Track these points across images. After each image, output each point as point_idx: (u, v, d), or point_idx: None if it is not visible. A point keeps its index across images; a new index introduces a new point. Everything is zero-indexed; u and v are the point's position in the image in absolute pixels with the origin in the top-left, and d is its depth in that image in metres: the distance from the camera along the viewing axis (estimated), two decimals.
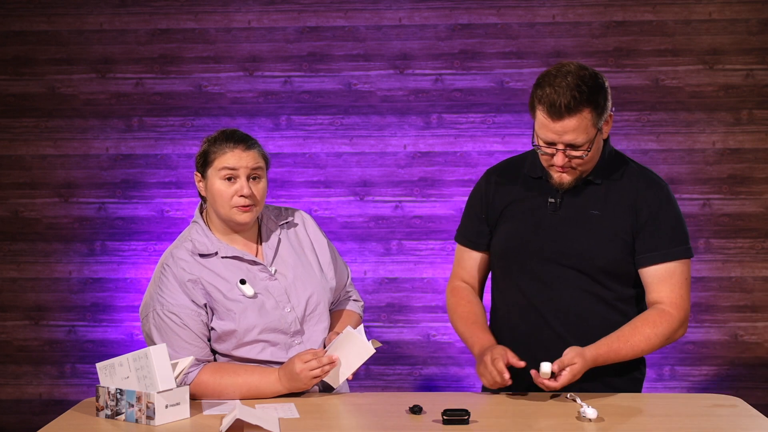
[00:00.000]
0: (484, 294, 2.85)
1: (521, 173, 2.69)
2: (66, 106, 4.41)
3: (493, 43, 4.31)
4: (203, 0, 4.35)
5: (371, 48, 4.34)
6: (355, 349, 2.51)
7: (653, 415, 2.39)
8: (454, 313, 2.77)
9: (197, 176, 2.59)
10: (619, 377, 2.62)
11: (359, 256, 4.37)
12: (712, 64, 4.26)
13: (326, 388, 2.62)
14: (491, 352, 2.51)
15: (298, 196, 4.37)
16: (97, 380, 2.69)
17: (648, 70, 4.27)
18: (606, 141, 2.62)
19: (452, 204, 4.32)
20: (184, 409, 2.36)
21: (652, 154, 4.28)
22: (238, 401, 2.47)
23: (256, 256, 2.62)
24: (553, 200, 2.61)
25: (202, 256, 2.56)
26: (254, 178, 2.55)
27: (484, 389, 2.69)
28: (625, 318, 2.58)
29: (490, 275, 2.82)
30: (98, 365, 2.41)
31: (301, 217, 2.74)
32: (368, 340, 2.50)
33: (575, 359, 2.43)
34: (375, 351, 2.51)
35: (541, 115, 2.47)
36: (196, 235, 2.59)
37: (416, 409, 2.39)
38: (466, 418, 2.30)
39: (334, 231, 4.35)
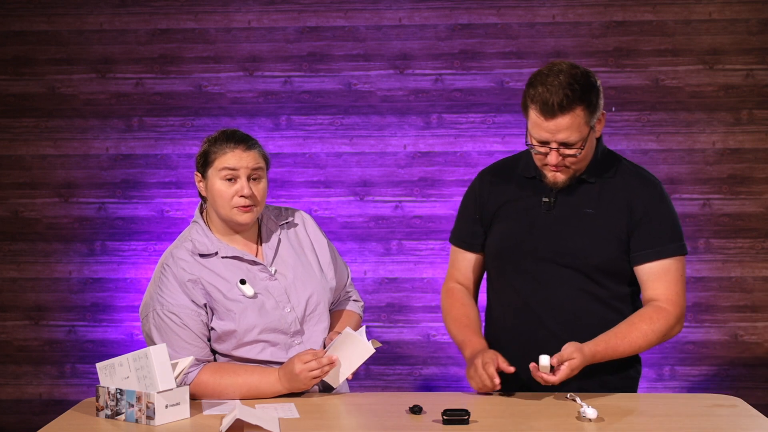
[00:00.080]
0: (480, 294, 2.85)
1: (515, 173, 2.70)
2: (66, 106, 4.41)
3: (493, 43, 4.31)
4: (203, 0, 4.35)
5: (371, 48, 4.34)
6: (354, 349, 2.51)
7: (653, 415, 2.39)
8: (447, 315, 2.78)
9: (197, 176, 2.59)
10: (614, 375, 2.63)
11: (359, 256, 4.37)
12: (712, 64, 4.26)
13: (326, 388, 2.62)
14: (482, 356, 2.52)
15: (298, 196, 4.37)
16: (97, 380, 2.69)
17: (648, 70, 4.27)
18: (599, 140, 2.63)
19: (452, 204, 4.32)
20: (184, 409, 2.36)
21: (652, 154, 4.28)
22: (238, 401, 2.47)
23: (256, 256, 2.62)
24: (547, 199, 2.62)
25: (202, 256, 2.56)
26: (255, 179, 2.55)
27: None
28: (621, 316, 2.59)
29: (485, 276, 2.83)
30: (98, 365, 2.41)
31: (301, 217, 2.74)
32: (368, 340, 2.50)
33: (574, 354, 2.43)
34: (375, 351, 2.51)
35: (534, 114, 2.49)
36: (196, 235, 2.59)
37: (416, 409, 2.39)
38: (466, 418, 2.30)
39: (334, 231, 4.35)
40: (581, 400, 2.43)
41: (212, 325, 2.53)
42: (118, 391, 2.36)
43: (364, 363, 2.56)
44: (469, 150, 4.34)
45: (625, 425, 2.32)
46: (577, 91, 2.44)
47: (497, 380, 2.47)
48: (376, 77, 4.35)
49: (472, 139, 4.33)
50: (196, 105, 4.37)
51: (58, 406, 4.39)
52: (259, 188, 2.55)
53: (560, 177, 2.56)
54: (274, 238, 2.65)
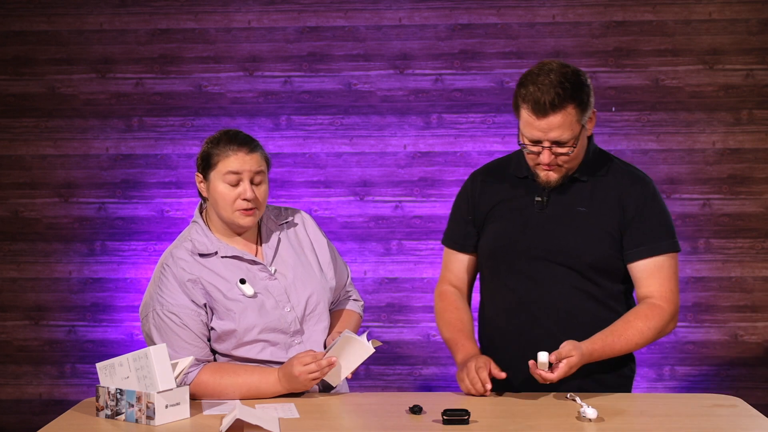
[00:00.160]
0: (473, 294, 2.86)
1: (507, 173, 2.71)
2: (66, 106, 4.41)
3: (493, 43, 4.31)
4: (203, 0, 4.35)
5: (371, 48, 4.34)
6: (354, 350, 2.51)
7: (653, 415, 2.39)
8: (440, 318, 2.79)
9: (198, 177, 2.59)
10: (610, 374, 2.63)
11: (359, 256, 4.37)
12: (712, 64, 4.26)
13: (326, 387, 2.62)
14: (476, 360, 2.54)
15: (298, 196, 4.37)
16: (97, 380, 2.69)
17: (648, 70, 4.27)
18: (590, 139, 2.65)
19: (452, 204, 4.32)
20: (184, 409, 2.36)
21: (652, 154, 4.28)
22: (238, 401, 2.47)
23: (255, 255, 2.62)
24: (539, 199, 2.63)
25: (201, 255, 2.56)
26: (257, 182, 2.55)
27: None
28: (615, 314, 2.60)
29: (478, 277, 2.83)
30: (98, 365, 2.41)
31: (301, 217, 2.74)
32: (368, 340, 2.50)
33: (572, 352, 2.44)
34: (374, 351, 2.51)
35: (525, 114, 2.50)
36: (196, 234, 2.59)
37: (416, 409, 2.39)
38: (466, 418, 2.30)
39: (334, 231, 4.35)
40: (581, 400, 2.43)
41: (212, 324, 2.53)
42: (118, 391, 2.36)
43: (364, 363, 2.56)
44: (469, 150, 4.34)
45: (625, 425, 2.32)
46: (568, 90, 2.46)
47: (489, 386, 2.49)
48: (376, 77, 4.35)
49: (472, 139, 4.33)
50: (196, 105, 4.37)
51: (58, 406, 4.39)
52: (261, 191, 2.55)
53: (553, 176, 2.58)
54: (274, 238, 2.65)
